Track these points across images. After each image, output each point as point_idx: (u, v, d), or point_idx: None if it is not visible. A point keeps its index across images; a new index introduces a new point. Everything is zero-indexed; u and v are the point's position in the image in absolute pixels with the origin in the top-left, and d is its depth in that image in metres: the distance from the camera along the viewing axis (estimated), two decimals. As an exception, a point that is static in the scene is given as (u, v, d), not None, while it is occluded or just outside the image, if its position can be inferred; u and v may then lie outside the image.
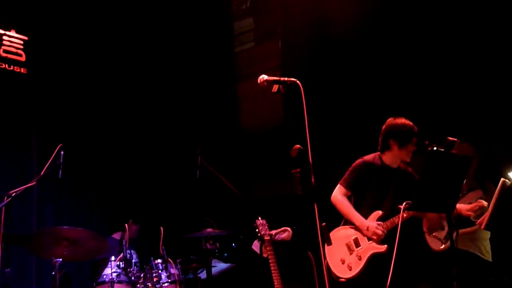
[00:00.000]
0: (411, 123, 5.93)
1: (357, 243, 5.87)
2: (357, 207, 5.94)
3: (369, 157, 6.07)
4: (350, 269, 5.79)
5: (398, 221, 5.64)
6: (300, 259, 6.88)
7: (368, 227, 5.78)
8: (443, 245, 6.06)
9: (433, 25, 8.10)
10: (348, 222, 5.99)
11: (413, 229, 6.04)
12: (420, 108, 7.83)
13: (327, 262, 5.75)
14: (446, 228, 6.17)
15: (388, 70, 8.49)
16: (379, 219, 5.85)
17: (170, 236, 7.79)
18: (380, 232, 5.75)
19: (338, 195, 5.97)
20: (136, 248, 8.38)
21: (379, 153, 6.07)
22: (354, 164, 6.06)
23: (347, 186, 5.99)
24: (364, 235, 5.83)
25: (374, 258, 5.77)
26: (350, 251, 5.84)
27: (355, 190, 6.02)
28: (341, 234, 5.93)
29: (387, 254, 5.66)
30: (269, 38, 10.89)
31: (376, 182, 5.95)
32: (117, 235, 8.21)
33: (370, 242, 5.79)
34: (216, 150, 9.28)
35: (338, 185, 6.03)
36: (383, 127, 6.05)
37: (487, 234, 6.43)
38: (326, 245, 5.59)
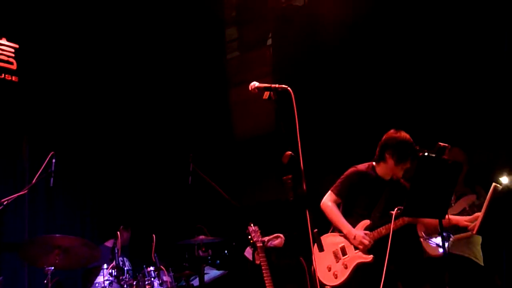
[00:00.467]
0: (411, 139, 5.77)
1: (344, 251, 5.84)
2: (346, 215, 5.90)
3: (362, 166, 6.01)
4: (336, 277, 5.77)
5: (384, 232, 5.63)
6: (293, 265, 6.90)
7: (355, 236, 5.73)
8: (440, 250, 6.07)
9: (423, 31, 8.13)
10: (337, 230, 5.98)
11: (405, 237, 6.05)
12: (411, 114, 7.87)
13: (314, 268, 5.73)
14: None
15: (378, 76, 8.52)
16: (366, 228, 5.81)
17: (163, 243, 7.79)
18: (366, 242, 5.69)
19: (328, 201, 5.92)
20: (128, 255, 8.37)
21: (373, 163, 6.01)
22: (346, 173, 6.01)
23: (338, 193, 5.94)
24: (351, 243, 5.81)
25: (360, 268, 5.74)
26: (337, 259, 5.82)
27: (345, 198, 5.97)
28: (328, 241, 5.90)
29: (372, 264, 5.66)
30: (259, 45, 10.93)
31: (367, 192, 5.91)
32: (109, 243, 8.20)
33: (357, 251, 5.76)
34: (208, 157, 9.28)
35: (329, 191, 5.98)
36: (384, 137, 5.91)
37: (480, 239, 6.45)
38: (317, 251, 5.66)
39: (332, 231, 6.03)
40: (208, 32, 10.83)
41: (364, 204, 5.92)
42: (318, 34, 9.33)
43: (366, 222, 5.85)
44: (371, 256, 5.71)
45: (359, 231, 5.77)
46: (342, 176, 6.01)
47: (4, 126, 8.62)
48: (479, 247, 6.48)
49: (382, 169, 5.92)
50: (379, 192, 5.93)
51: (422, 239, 6.39)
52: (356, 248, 5.76)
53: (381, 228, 5.70)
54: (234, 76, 10.88)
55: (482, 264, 6.44)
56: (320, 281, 5.69)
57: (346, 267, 5.74)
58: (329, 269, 5.78)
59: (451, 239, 6.23)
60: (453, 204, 6.35)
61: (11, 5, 8.81)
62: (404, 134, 5.80)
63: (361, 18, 8.70)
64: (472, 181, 6.56)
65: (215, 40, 10.96)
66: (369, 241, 5.71)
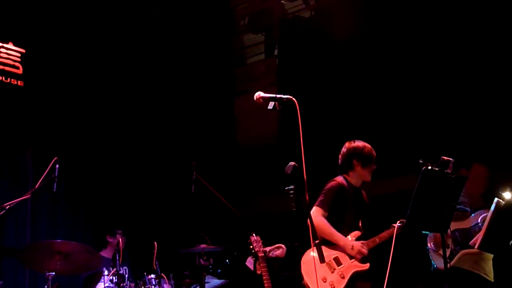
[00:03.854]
0: (369, 145, 6.18)
1: (338, 261, 5.91)
2: (336, 227, 5.98)
3: (338, 179, 6.19)
4: None
5: (378, 241, 5.94)
6: (294, 276, 6.88)
7: (353, 246, 5.87)
8: (448, 264, 6.05)
9: (437, 43, 8.14)
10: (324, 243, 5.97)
11: (410, 247, 6.07)
12: (422, 129, 7.90)
13: (306, 282, 5.74)
14: (452, 246, 6.21)
15: (385, 88, 8.52)
16: (358, 239, 5.98)
17: (164, 251, 7.77)
18: (365, 251, 5.88)
19: (319, 216, 5.95)
20: (128, 262, 8.36)
21: (343, 175, 6.21)
22: (329, 186, 6.12)
23: (325, 207, 6.00)
24: (347, 254, 5.90)
25: (355, 276, 5.83)
26: (331, 269, 5.85)
27: (331, 211, 6.03)
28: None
29: (367, 272, 5.85)
30: (267, 54, 10.96)
31: (350, 202, 6.07)
32: (104, 253, 8.21)
33: (352, 260, 5.89)
34: (211, 165, 9.29)
35: (315, 207, 6.02)
36: (344, 150, 6.24)
37: (491, 255, 6.40)
38: (303, 265, 5.72)
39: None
40: (215, 41, 10.86)
41: (351, 214, 6.07)
42: (324, 45, 9.34)
43: (357, 233, 6.02)
44: (368, 264, 5.87)
45: (356, 242, 5.92)
46: (324, 190, 6.10)
47: (8, 130, 8.63)
48: (489, 263, 6.43)
49: (353, 178, 6.19)
50: (359, 200, 6.16)
51: (431, 251, 6.37)
52: (351, 257, 5.89)
53: (375, 238, 5.97)
54: (239, 86, 10.90)
55: (492, 280, 6.39)
56: None
57: (343, 277, 5.80)
58: (325, 280, 5.78)
59: (459, 253, 6.20)
60: (469, 218, 6.33)
61: (18, 10, 8.84)
62: (361, 141, 6.22)
63: (367, 30, 8.72)
64: (491, 196, 6.52)
65: (221, 50, 10.98)
66: (367, 250, 5.90)
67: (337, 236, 5.93)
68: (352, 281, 5.81)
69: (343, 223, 6.02)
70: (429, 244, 6.36)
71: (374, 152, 6.16)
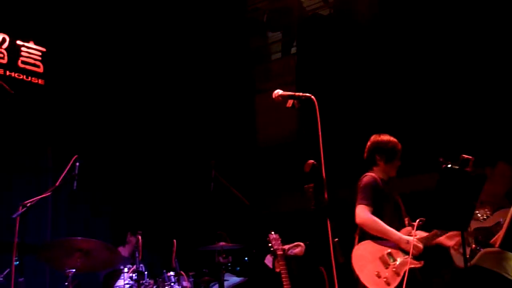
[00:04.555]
0: (395, 139, 6.05)
1: (392, 257, 5.74)
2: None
3: (369, 173, 6.05)
4: (388, 284, 5.63)
5: (432, 242, 5.75)
6: (313, 274, 6.87)
7: (408, 241, 5.68)
8: (469, 263, 6.01)
9: (459, 42, 8.09)
10: (368, 238, 5.89)
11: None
12: (449, 126, 7.86)
13: (357, 275, 5.65)
14: (473, 245, 6.15)
15: (405, 86, 8.48)
16: (409, 235, 5.78)
17: (183, 249, 7.80)
18: (421, 246, 5.69)
19: (366, 214, 5.79)
20: (144, 261, 8.40)
21: (369, 170, 6.09)
22: (364, 181, 5.95)
23: (369, 203, 5.83)
24: (400, 249, 5.73)
25: (410, 274, 5.64)
26: (386, 265, 5.68)
27: (373, 206, 5.86)
28: (371, 248, 5.79)
29: (420, 269, 5.67)
30: (284, 53, 10.95)
31: (385, 195, 5.92)
32: (121, 250, 8.25)
33: (407, 256, 5.66)
34: (230, 163, 9.29)
35: (359, 205, 5.85)
36: (368, 144, 6.13)
37: None
38: (355, 259, 5.64)
39: (360, 240, 5.96)
40: (234, 40, 10.86)
41: (391, 207, 5.92)
42: (343, 43, 9.32)
43: (409, 229, 5.82)
44: (422, 261, 5.69)
45: (410, 237, 5.73)
46: (361, 186, 5.94)
47: (29, 128, 8.70)
48: (511, 262, 6.38)
49: (378, 173, 6.04)
50: (390, 194, 5.99)
51: (452, 250, 6.32)
52: (405, 253, 5.69)
53: (429, 236, 5.75)
54: (259, 84, 10.90)
55: None
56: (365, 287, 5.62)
57: (398, 274, 5.62)
58: (379, 276, 5.64)
59: (480, 252, 6.16)
60: (490, 216, 6.28)
61: (39, 9, 8.91)
62: (387, 135, 6.08)
63: (387, 28, 8.68)
64: None
65: (241, 48, 10.99)
66: (422, 246, 5.72)
67: (390, 231, 5.75)
68: (407, 279, 5.60)
69: (383, 217, 5.83)
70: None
71: (399, 147, 6.01)
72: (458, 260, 6.26)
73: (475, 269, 6.07)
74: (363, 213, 5.80)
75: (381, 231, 5.77)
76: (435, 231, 5.76)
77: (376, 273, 5.65)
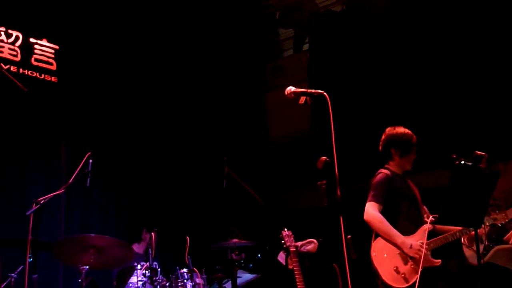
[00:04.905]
0: (410, 132, 5.95)
1: None
2: (393, 219, 5.76)
3: (383, 170, 5.97)
4: (406, 280, 5.56)
5: (443, 242, 5.66)
6: (326, 271, 6.87)
7: (411, 245, 5.60)
8: (482, 260, 5.99)
9: (474, 40, 8.05)
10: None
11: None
12: (462, 122, 7.83)
13: (375, 268, 5.62)
14: (486, 242, 6.12)
15: (419, 82, 8.45)
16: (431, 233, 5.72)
17: (196, 246, 7.81)
18: (422, 252, 5.54)
19: (374, 212, 5.73)
20: (158, 258, 8.42)
21: (385, 165, 6.01)
22: (377, 179, 5.89)
23: (378, 200, 5.77)
24: (399, 255, 5.64)
25: (428, 272, 5.60)
26: (405, 261, 5.62)
27: (385, 204, 5.80)
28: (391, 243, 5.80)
29: (439, 268, 5.61)
30: (296, 49, 10.95)
31: (401, 191, 5.84)
32: (135, 247, 8.27)
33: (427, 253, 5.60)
34: (243, 160, 9.29)
35: (369, 202, 5.80)
36: (383, 137, 6.05)
37: None
38: (374, 253, 5.63)
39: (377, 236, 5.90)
40: (247, 36, 10.86)
41: (406, 205, 5.83)
42: (355, 40, 9.30)
43: (424, 227, 5.73)
44: (439, 260, 5.63)
45: (414, 241, 5.63)
46: (374, 183, 5.89)
47: (43, 125, 8.74)
48: None
49: (394, 167, 5.96)
50: (409, 189, 5.91)
51: (465, 247, 6.28)
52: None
53: (440, 238, 5.71)
54: (271, 81, 10.90)
55: None
56: (385, 283, 5.59)
57: (416, 271, 5.54)
58: (397, 271, 5.59)
59: (493, 249, 6.13)
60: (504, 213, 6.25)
61: (52, 7, 8.93)
62: (402, 128, 5.98)
63: (400, 24, 8.65)
64: None
65: (253, 45, 10.98)
66: (428, 251, 5.60)
67: (394, 234, 5.66)
68: (423, 276, 5.54)
69: (399, 214, 5.78)
70: (462, 239, 6.28)
71: (414, 140, 5.92)
72: (471, 257, 6.24)
73: (488, 266, 6.04)
74: (371, 211, 5.75)
75: (385, 232, 5.70)
76: (446, 235, 5.70)
77: (395, 268, 5.61)
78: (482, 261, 5.97)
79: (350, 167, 6.03)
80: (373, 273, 5.63)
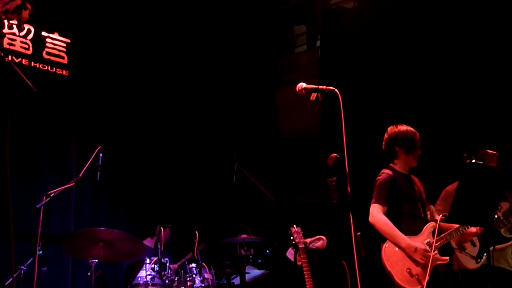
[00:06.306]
0: (412, 129, 5.91)
1: None
2: (396, 220, 5.70)
3: (386, 170, 5.91)
4: (420, 282, 5.47)
5: (447, 240, 5.63)
6: (334, 268, 6.86)
7: (416, 249, 5.54)
8: (478, 263, 5.98)
9: (482, 38, 8.02)
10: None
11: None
12: (473, 121, 7.80)
13: (388, 271, 5.58)
14: (478, 244, 6.09)
15: (430, 79, 8.43)
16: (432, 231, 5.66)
17: (205, 241, 7.82)
18: (428, 254, 5.49)
19: (378, 214, 5.68)
20: (170, 253, 8.43)
21: (390, 164, 5.95)
22: (379, 180, 5.84)
23: (382, 201, 5.73)
24: (409, 256, 5.57)
25: (437, 270, 5.58)
26: (416, 262, 5.55)
27: (389, 205, 5.74)
28: None
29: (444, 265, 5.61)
30: (309, 46, 10.94)
31: (404, 191, 5.79)
32: (147, 241, 8.28)
33: (435, 252, 5.53)
34: (253, 156, 9.29)
35: (373, 204, 5.75)
36: (386, 136, 5.98)
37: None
38: (385, 254, 5.57)
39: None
40: (259, 32, 10.85)
41: (410, 204, 5.78)
42: (367, 37, 9.27)
43: (433, 224, 5.69)
44: (447, 257, 5.59)
45: (420, 244, 5.58)
46: (377, 185, 5.83)
47: (54, 119, 8.77)
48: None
49: (399, 165, 5.91)
50: (413, 188, 5.87)
51: (457, 252, 6.23)
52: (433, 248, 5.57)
53: (446, 234, 5.66)
54: (282, 77, 10.88)
55: None
56: (400, 285, 5.50)
57: (426, 270, 5.48)
58: (411, 274, 5.52)
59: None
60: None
61: (65, 0, 8.95)
62: (404, 126, 5.93)
63: (412, 21, 8.62)
64: None
65: (265, 40, 10.97)
66: (434, 252, 5.55)
67: (399, 237, 5.59)
68: (432, 275, 5.50)
69: (403, 215, 5.73)
70: (452, 244, 6.19)
71: (417, 136, 5.85)
72: (467, 262, 6.19)
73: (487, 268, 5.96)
74: (376, 213, 5.70)
75: (390, 234, 5.64)
76: (450, 231, 5.64)
77: (408, 270, 5.54)
78: (478, 264, 5.98)
79: (362, 164, 6.01)
80: (386, 275, 5.58)
